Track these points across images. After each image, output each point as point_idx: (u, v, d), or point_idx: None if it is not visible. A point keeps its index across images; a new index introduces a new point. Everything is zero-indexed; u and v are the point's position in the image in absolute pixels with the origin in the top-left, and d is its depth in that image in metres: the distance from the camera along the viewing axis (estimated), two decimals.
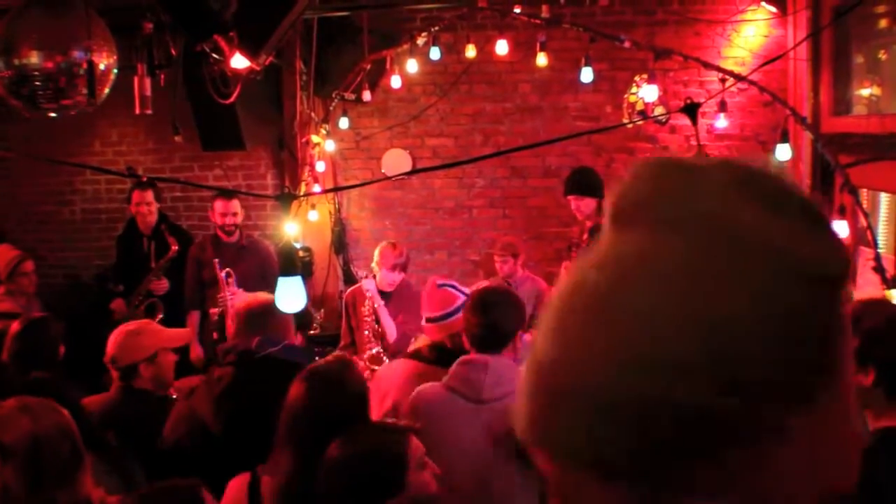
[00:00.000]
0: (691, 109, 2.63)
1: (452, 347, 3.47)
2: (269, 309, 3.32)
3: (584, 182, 5.70)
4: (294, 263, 2.68)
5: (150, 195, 6.07)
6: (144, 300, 5.87)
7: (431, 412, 2.99)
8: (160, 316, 5.62)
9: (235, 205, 5.76)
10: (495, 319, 3.06)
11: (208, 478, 2.38)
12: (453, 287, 3.77)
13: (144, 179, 6.20)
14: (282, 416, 2.50)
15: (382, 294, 5.10)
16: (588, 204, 5.61)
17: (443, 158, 7.40)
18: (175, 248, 5.90)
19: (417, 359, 3.63)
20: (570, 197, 5.70)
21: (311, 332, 6.55)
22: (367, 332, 4.96)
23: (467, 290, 3.68)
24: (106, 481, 2.70)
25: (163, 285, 5.93)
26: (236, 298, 5.24)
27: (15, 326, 3.88)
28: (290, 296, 2.63)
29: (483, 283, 4.48)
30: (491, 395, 2.93)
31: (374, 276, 5.15)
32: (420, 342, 4.33)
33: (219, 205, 5.75)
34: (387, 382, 3.56)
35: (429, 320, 3.69)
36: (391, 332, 4.95)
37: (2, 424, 2.36)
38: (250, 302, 3.60)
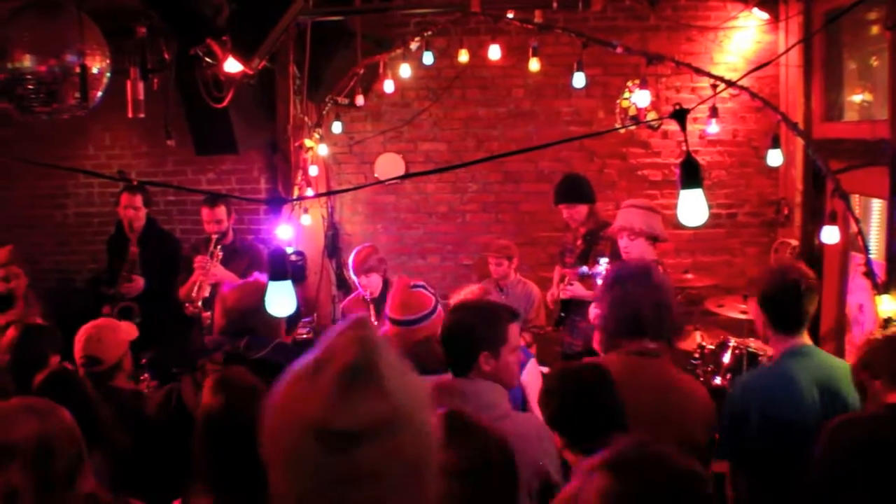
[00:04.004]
0: (680, 115, 2.62)
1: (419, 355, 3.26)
2: (261, 304, 3.24)
3: (575, 189, 5.71)
4: (284, 268, 2.64)
5: (138, 199, 6.02)
6: (118, 304, 5.79)
7: None
8: (138, 319, 5.50)
9: (220, 212, 5.75)
10: (452, 338, 2.95)
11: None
12: (424, 289, 3.59)
13: (135, 184, 6.17)
14: (197, 429, 2.37)
15: (373, 300, 5.14)
16: (580, 211, 5.63)
17: (436, 163, 7.43)
18: (134, 249, 5.86)
19: None
20: (561, 206, 5.72)
21: (305, 335, 6.53)
22: None
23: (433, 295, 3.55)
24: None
25: (135, 286, 5.84)
26: (216, 269, 5.44)
27: (11, 333, 3.86)
28: (279, 300, 2.60)
29: (470, 288, 4.44)
30: None
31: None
32: None
33: (204, 212, 5.78)
34: None
35: (395, 322, 3.48)
36: None
37: (8, 423, 2.34)
38: (241, 298, 3.44)
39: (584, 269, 5.17)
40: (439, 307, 3.54)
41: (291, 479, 1.18)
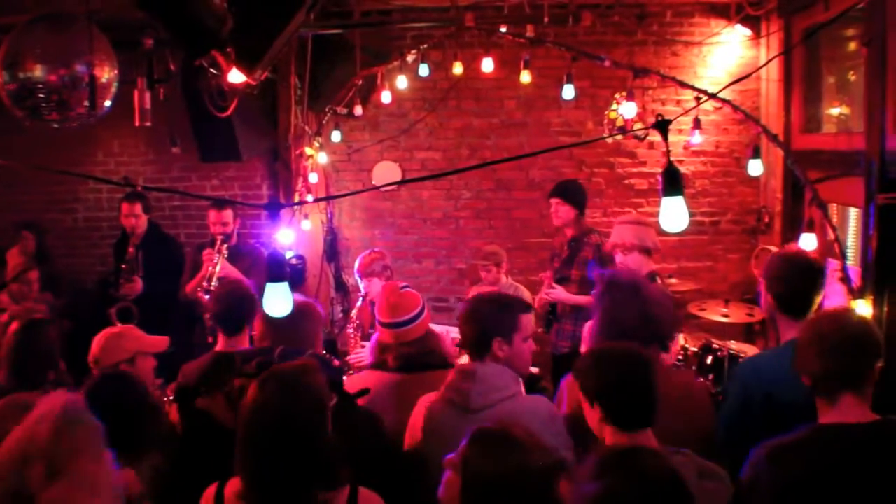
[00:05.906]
0: (662, 126, 2.75)
1: (417, 355, 3.42)
2: (296, 316, 3.15)
3: (571, 190, 5.80)
4: (282, 270, 2.71)
5: (138, 207, 6.17)
6: (117, 305, 5.90)
7: (434, 427, 2.92)
8: (136, 320, 5.56)
9: (227, 214, 5.94)
10: (468, 326, 3.09)
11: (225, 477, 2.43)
12: (410, 290, 3.65)
13: (140, 189, 6.29)
14: (239, 420, 2.39)
15: (373, 304, 5.27)
16: (567, 211, 5.69)
17: (431, 171, 7.61)
18: (131, 249, 6.03)
19: (384, 369, 3.45)
20: (552, 199, 5.78)
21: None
22: (350, 330, 5.16)
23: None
24: None
25: (135, 288, 5.99)
26: (222, 265, 5.65)
27: (13, 327, 3.90)
28: (276, 301, 2.67)
29: (483, 290, 4.60)
30: (478, 404, 2.84)
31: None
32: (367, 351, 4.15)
33: (211, 214, 5.97)
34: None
35: (385, 325, 3.47)
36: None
37: None
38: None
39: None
40: (427, 308, 3.60)
41: None
